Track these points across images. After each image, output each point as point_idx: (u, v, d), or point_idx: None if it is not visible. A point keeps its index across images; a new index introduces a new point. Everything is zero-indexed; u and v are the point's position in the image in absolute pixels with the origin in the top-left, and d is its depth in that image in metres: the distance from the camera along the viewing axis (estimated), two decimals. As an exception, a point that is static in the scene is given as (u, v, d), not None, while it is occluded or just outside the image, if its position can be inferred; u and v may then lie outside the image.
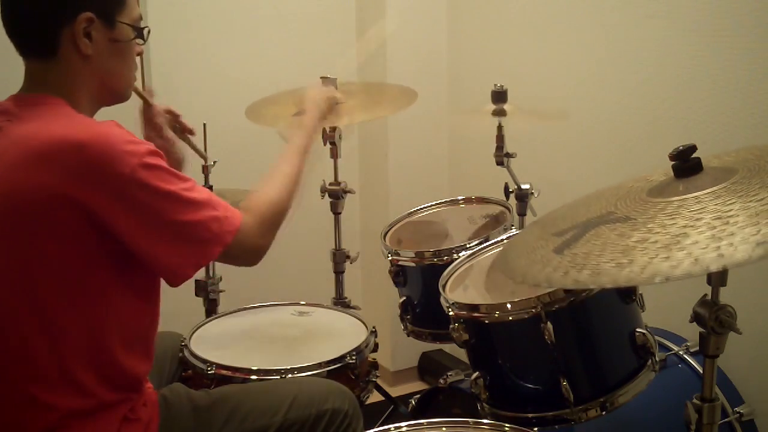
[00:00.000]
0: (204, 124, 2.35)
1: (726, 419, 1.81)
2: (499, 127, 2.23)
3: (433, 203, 2.38)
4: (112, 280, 1.40)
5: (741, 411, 1.83)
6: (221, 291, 2.43)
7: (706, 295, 1.23)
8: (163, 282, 1.48)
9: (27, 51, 1.44)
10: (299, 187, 1.64)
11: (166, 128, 1.83)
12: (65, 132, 1.34)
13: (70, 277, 1.36)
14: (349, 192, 2.55)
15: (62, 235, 1.34)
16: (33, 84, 1.45)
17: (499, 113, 2.19)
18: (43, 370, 1.38)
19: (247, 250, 1.51)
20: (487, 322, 1.56)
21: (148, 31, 1.53)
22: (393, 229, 2.27)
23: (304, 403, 1.63)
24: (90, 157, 1.31)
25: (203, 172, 2.41)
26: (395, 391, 2.90)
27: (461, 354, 2.18)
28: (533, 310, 1.48)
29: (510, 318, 1.53)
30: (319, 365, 1.86)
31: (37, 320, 1.37)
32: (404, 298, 2.10)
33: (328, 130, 2.42)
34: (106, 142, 1.33)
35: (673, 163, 1.26)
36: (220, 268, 2.50)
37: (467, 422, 1.48)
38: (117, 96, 1.53)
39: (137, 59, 1.55)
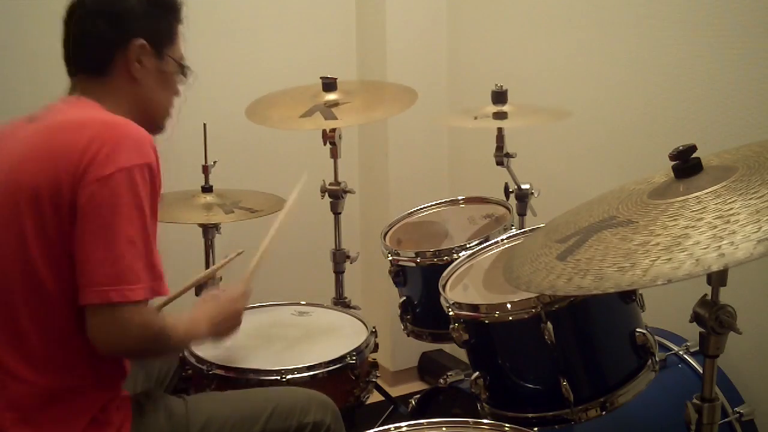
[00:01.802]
0: (204, 124, 2.36)
1: (726, 419, 1.81)
2: (499, 128, 2.23)
3: (433, 203, 2.38)
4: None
5: (741, 411, 1.83)
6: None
7: (706, 295, 1.23)
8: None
9: (80, 68, 1.56)
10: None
11: None
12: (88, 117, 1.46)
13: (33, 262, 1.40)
14: (349, 192, 2.55)
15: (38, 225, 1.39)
16: (83, 93, 1.55)
17: (500, 117, 2.19)
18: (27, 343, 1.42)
19: (124, 326, 1.39)
20: (487, 322, 1.56)
21: (191, 71, 1.65)
22: (393, 229, 2.27)
23: (284, 414, 1.61)
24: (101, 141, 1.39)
25: (203, 172, 2.42)
26: (395, 391, 2.90)
27: (461, 354, 2.18)
28: (533, 310, 1.48)
29: (510, 318, 1.53)
30: (320, 365, 1.86)
31: (23, 290, 1.41)
32: (404, 298, 2.10)
33: (328, 130, 2.43)
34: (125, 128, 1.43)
35: (673, 163, 1.26)
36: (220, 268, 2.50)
37: (467, 422, 1.48)
38: (154, 124, 1.61)
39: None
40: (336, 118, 2.30)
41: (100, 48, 1.54)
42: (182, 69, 1.64)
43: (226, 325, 1.68)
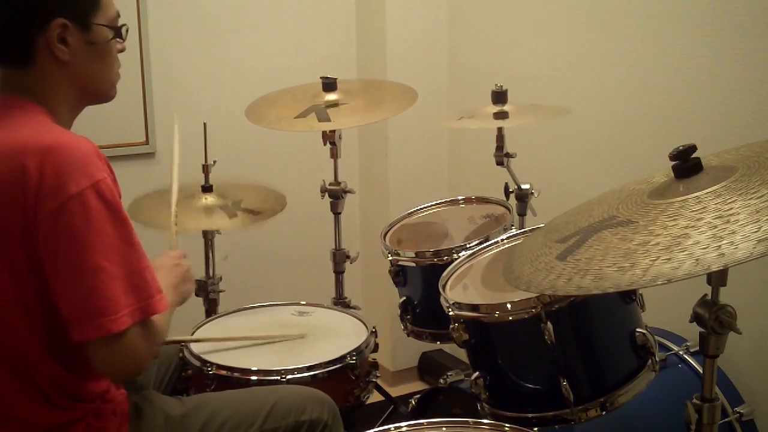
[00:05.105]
0: (204, 124, 2.36)
1: (726, 419, 1.81)
2: (499, 128, 2.23)
3: (433, 203, 2.37)
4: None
5: (741, 411, 1.83)
6: (221, 291, 2.43)
7: (706, 295, 1.23)
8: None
9: (2, 60, 1.41)
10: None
11: None
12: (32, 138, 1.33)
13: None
14: (349, 192, 2.55)
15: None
16: (10, 88, 1.43)
17: (500, 116, 2.19)
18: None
19: (123, 354, 1.32)
20: (487, 322, 1.56)
21: (127, 30, 1.49)
22: (393, 229, 2.27)
23: (282, 413, 1.60)
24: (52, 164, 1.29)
25: (203, 172, 2.42)
26: (395, 391, 2.90)
27: (461, 354, 2.18)
28: (533, 310, 1.48)
29: (510, 318, 1.53)
30: (320, 365, 1.86)
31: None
32: (404, 298, 2.10)
33: (327, 130, 2.43)
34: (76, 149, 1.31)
35: (673, 163, 1.26)
36: (220, 268, 2.50)
37: (467, 422, 1.48)
38: (99, 98, 1.50)
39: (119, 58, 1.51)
40: (329, 120, 2.30)
41: (14, 38, 1.38)
42: (117, 32, 1.46)
43: (184, 286, 1.60)
